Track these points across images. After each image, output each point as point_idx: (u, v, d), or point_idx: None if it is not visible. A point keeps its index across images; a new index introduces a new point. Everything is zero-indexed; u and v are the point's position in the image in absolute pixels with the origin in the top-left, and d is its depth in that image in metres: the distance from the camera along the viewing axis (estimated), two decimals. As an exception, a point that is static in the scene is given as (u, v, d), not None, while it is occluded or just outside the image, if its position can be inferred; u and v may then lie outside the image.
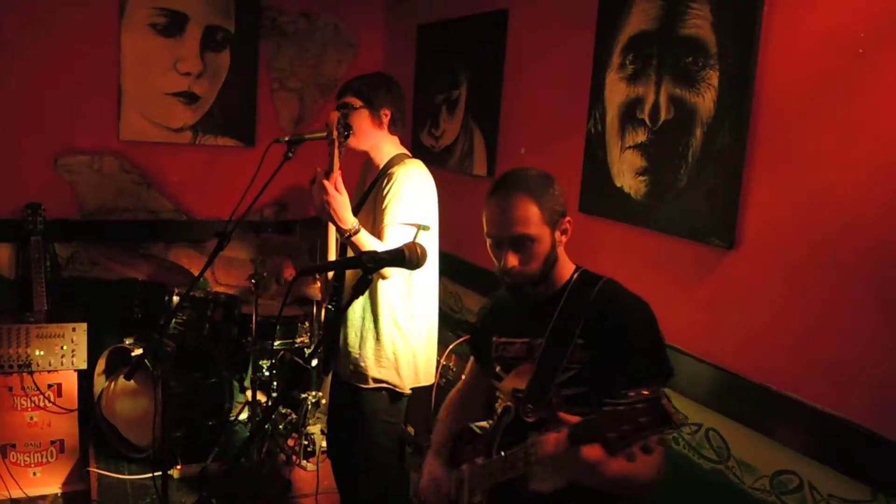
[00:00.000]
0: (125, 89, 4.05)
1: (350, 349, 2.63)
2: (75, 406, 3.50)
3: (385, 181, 2.55)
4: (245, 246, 4.38)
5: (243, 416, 3.93)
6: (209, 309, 3.68)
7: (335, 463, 2.90)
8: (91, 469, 3.52)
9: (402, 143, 2.76)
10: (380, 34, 4.61)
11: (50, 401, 3.45)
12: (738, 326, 2.23)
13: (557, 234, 1.75)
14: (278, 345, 3.76)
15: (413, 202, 2.52)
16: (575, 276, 1.80)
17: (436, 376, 2.88)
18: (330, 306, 2.85)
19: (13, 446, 3.43)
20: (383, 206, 2.51)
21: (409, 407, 2.76)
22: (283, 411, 3.84)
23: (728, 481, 2.24)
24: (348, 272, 2.65)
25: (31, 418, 3.44)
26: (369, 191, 2.67)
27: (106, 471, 3.51)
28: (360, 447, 2.68)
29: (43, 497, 3.47)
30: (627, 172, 2.62)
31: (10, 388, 3.39)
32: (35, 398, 3.43)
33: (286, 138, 2.50)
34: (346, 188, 2.42)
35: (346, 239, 2.41)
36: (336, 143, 2.43)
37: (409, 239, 2.35)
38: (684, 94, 2.36)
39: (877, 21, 1.85)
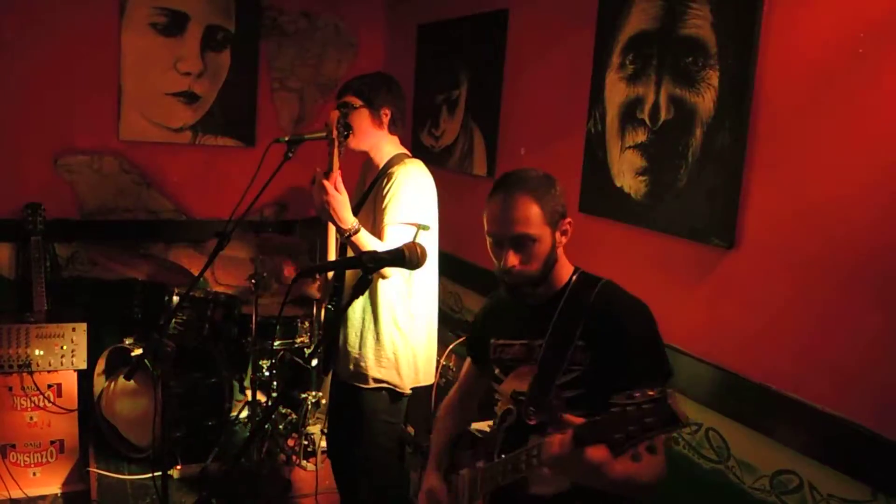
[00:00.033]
0: (125, 89, 4.05)
1: (350, 349, 2.63)
2: (75, 406, 3.50)
3: (385, 181, 2.55)
4: (245, 246, 4.38)
5: (243, 415, 3.93)
6: (209, 309, 3.68)
7: (335, 463, 2.90)
8: (91, 469, 3.52)
9: (402, 143, 2.76)
10: (380, 34, 4.61)
11: (50, 401, 3.45)
12: (738, 326, 2.23)
13: (558, 234, 1.75)
14: (278, 345, 3.76)
15: (413, 202, 2.52)
16: (574, 277, 1.80)
17: (436, 376, 2.88)
18: (330, 306, 2.85)
19: (13, 446, 3.43)
20: (383, 205, 2.51)
21: (409, 407, 2.76)
22: (283, 411, 3.84)
23: (728, 481, 2.24)
24: (348, 272, 2.65)
25: (31, 418, 3.44)
26: (369, 191, 2.67)
27: (106, 471, 3.51)
28: (360, 447, 2.68)
29: (43, 497, 3.47)
30: (627, 172, 2.62)
31: (10, 388, 3.39)
32: (35, 398, 3.43)
33: (286, 138, 2.50)
34: (346, 188, 2.42)
35: (346, 239, 2.41)
36: (335, 143, 2.43)
37: (409, 239, 2.36)
38: (684, 94, 2.36)
39: (877, 21, 1.85)
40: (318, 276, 3.08)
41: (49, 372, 3.43)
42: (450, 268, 3.33)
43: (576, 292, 1.76)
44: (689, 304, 2.38)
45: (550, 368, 1.71)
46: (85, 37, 3.95)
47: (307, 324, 3.83)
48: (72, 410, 3.49)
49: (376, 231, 2.50)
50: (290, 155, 2.48)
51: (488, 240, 1.77)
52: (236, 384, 3.97)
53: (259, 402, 3.62)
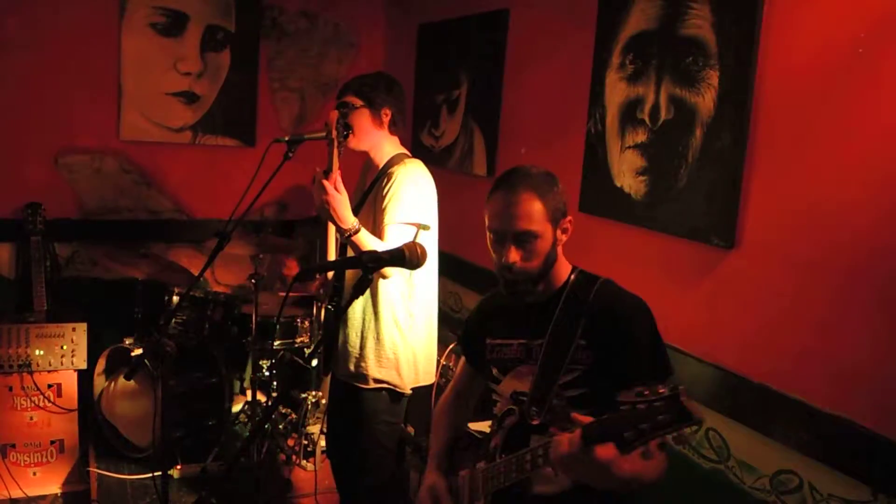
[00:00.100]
0: (125, 89, 4.05)
1: (350, 349, 2.63)
2: (75, 406, 3.50)
3: (385, 181, 2.55)
4: (245, 245, 4.37)
5: (242, 414, 3.93)
6: (209, 309, 3.68)
7: (335, 463, 2.90)
8: (91, 469, 3.51)
9: (403, 143, 2.76)
10: (380, 34, 4.61)
11: (50, 401, 3.45)
12: (738, 326, 2.23)
13: (558, 232, 1.75)
14: (278, 345, 3.76)
15: (413, 202, 2.52)
16: (572, 276, 1.80)
17: (436, 376, 2.88)
18: (330, 306, 2.85)
19: (13, 446, 3.43)
20: (383, 205, 2.51)
21: (409, 407, 2.75)
22: (283, 411, 3.84)
23: (728, 481, 2.24)
24: (348, 272, 2.65)
25: (31, 418, 3.44)
26: (369, 190, 2.67)
27: (106, 471, 3.51)
28: (359, 447, 2.68)
29: (43, 497, 3.47)
30: (627, 172, 2.61)
31: (10, 388, 3.39)
32: (35, 398, 3.43)
33: (286, 138, 2.50)
34: (346, 188, 2.42)
35: (346, 239, 2.41)
36: (335, 143, 2.43)
37: (409, 239, 2.36)
38: (684, 94, 2.36)
39: (877, 21, 1.85)
40: (318, 276, 3.09)
41: (49, 372, 3.43)
42: (450, 268, 3.33)
43: (575, 291, 1.76)
44: (689, 304, 2.38)
45: (552, 368, 1.70)
46: (85, 37, 3.95)
47: (307, 324, 3.83)
48: (72, 410, 3.49)
49: (376, 231, 2.50)
50: (290, 155, 2.48)
51: (489, 236, 1.76)
52: (237, 384, 3.97)
53: (259, 402, 3.62)
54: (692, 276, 2.39)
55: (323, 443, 3.58)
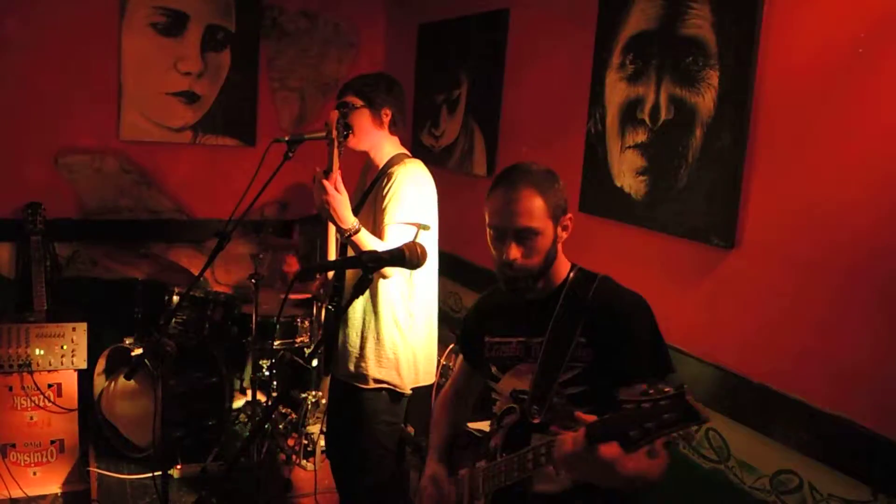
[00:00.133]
0: (125, 89, 4.05)
1: (351, 349, 2.63)
2: (75, 406, 3.50)
3: (385, 181, 2.55)
4: (246, 245, 4.38)
5: (242, 414, 3.93)
6: (209, 308, 3.68)
7: (334, 463, 2.90)
8: (91, 469, 3.52)
9: (403, 143, 2.76)
10: (380, 34, 4.61)
11: (50, 400, 3.45)
12: (738, 326, 2.23)
13: (559, 229, 1.74)
14: (278, 344, 3.76)
15: (413, 202, 2.52)
16: (571, 273, 1.79)
17: (436, 376, 2.88)
18: (330, 307, 2.85)
19: (13, 446, 3.43)
20: (383, 205, 2.51)
21: (409, 407, 2.75)
22: (283, 411, 3.85)
23: (728, 481, 2.24)
24: (349, 272, 2.65)
25: (31, 418, 3.44)
26: (369, 190, 2.67)
27: (106, 471, 3.51)
28: (359, 447, 2.68)
29: (43, 497, 3.47)
30: (627, 172, 2.61)
31: (10, 388, 3.39)
32: (35, 398, 3.43)
33: (286, 138, 2.50)
34: (346, 188, 2.42)
35: (346, 238, 2.41)
36: (335, 143, 2.43)
37: (409, 238, 2.36)
38: (684, 94, 2.36)
39: (877, 21, 1.85)
40: (318, 276, 3.09)
41: (49, 371, 3.43)
42: (450, 268, 3.33)
43: (574, 288, 1.75)
44: (689, 304, 2.38)
45: (552, 366, 1.70)
46: (85, 37, 3.95)
47: (307, 323, 3.83)
48: (72, 410, 3.49)
49: (376, 231, 2.50)
50: (291, 155, 2.49)
51: (490, 232, 1.75)
52: (237, 383, 3.97)
53: (259, 402, 3.62)
54: (692, 276, 2.39)
55: (323, 443, 3.58)
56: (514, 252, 1.70)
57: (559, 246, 1.78)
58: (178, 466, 3.50)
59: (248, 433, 3.85)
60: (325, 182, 2.36)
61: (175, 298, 3.61)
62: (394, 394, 2.65)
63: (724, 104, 2.23)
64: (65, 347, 3.44)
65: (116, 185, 4.14)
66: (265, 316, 3.65)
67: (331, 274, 2.79)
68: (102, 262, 4.06)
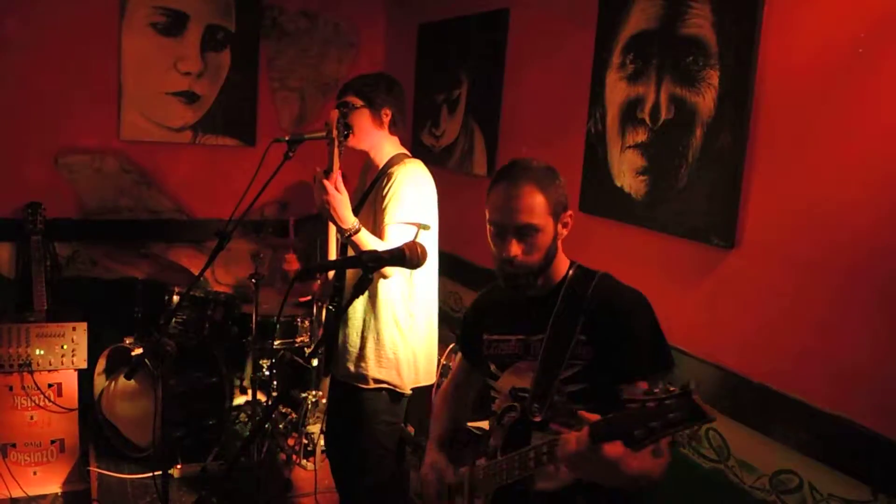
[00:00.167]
0: (125, 89, 4.05)
1: (351, 349, 2.63)
2: (75, 405, 3.50)
3: (385, 181, 2.55)
4: (246, 245, 4.38)
5: (243, 413, 3.93)
6: (209, 308, 3.68)
7: (334, 463, 2.90)
8: (91, 468, 3.52)
9: (403, 143, 2.76)
10: (380, 34, 4.61)
11: (50, 400, 3.45)
12: (739, 326, 2.23)
13: (559, 226, 1.74)
14: (278, 344, 3.76)
15: (413, 202, 2.52)
16: (571, 271, 1.79)
17: (436, 376, 2.88)
18: (331, 307, 2.85)
19: (13, 446, 3.43)
20: (383, 205, 2.51)
21: (409, 407, 2.75)
22: (283, 411, 3.85)
23: (728, 481, 2.24)
24: (349, 272, 2.65)
25: (32, 418, 3.44)
26: (369, 190, 2.67)
27: (106, 470, 3.51)
28: (359, 447, 2.68)
29: (43, 496, 3.47)
30: (628, 172, 2.62)
31: (11, 388, 3.39)
32: (35, 398, 3.43)
33: (286, 138, 2.50)
34: (347, 188, 2.42)
35: (346, 238, 2.41)
36: (336, 143, 2.43)
37: (409, 238, 2.36)
38: (684, 94, 2.36)
39: (877, 21, 1.85)
40: (318, 276, 3.08)
41: (49, 371, 3.43)
42: (450, 268, 3.33)
43: (574, 285, 1.75)
44: (690, 304, 2.38)
45: (552, 364, 1.69)
46: (85, 37, 3.95)
47: (307, 323, 3.83)
48: (72, 410, 3.49)
49: (377, 231, 2.50)
50: (291, 154, 2.49)
51: (490, 229, 1.75)
52: (237, 382, 3.97)
53: (259, 402, 3.62)
54: (692, 276, 2.39)
55: (323, 442, 3.58)
56: (515, 249, 1.69)
57: (559, 243, 1.77)
58: (179, 466, 3.51)
59: (248, 433, 3.85)
60: (326, 182, 2.36)
61: (175, 298, 3.61)
62: (394, 394, 2.65)
63: (725, 104, 2.23)
64: (65, 347, 3.44)
65: (116, 185, 4.14)
66: (265, 315, 3.65)
67: (331, 274, 2.79)
68: (102, 261, 4.07)
